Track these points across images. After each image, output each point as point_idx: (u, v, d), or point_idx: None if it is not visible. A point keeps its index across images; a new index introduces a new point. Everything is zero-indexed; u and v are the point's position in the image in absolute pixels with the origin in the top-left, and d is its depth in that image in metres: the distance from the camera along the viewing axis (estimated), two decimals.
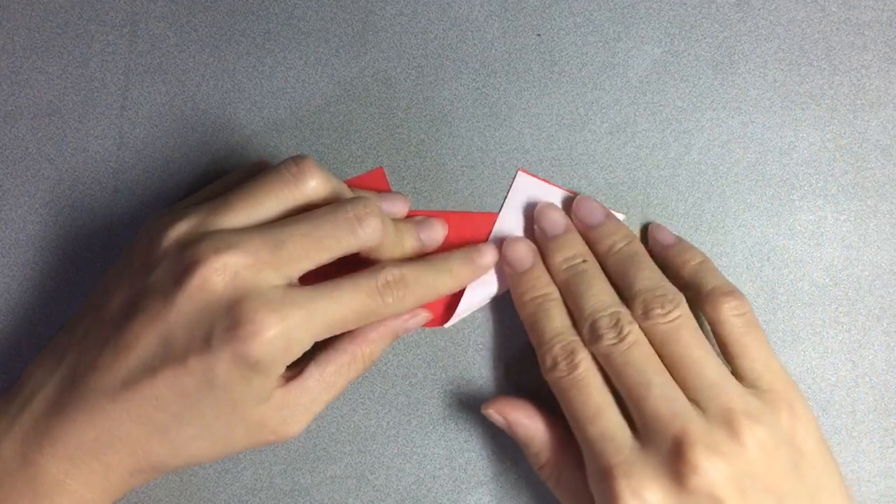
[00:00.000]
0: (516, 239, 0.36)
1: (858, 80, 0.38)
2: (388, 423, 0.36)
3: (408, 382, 0.36)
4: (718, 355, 0.32)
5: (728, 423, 0.30)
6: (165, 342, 0.29)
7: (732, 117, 0.37)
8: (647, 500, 0.29)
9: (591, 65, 0.38)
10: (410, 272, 0.32)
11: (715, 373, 0.31)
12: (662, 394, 0.30)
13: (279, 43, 0.38)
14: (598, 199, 0.36)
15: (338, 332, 0.31)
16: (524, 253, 0.35)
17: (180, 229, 0.30)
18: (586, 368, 0.32)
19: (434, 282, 0.33)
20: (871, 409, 0.36)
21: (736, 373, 0.32)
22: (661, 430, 0.30)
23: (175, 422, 0.30)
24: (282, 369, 0.30)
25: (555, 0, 0.38)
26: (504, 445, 0.36)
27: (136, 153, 0.38)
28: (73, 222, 0.37)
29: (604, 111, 0.37)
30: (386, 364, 0.36)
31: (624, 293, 0.34)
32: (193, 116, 0.38)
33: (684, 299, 0.33)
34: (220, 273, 0.29)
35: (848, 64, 0.38)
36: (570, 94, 0.38)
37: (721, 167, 0.37)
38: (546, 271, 0.35)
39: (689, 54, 0.38)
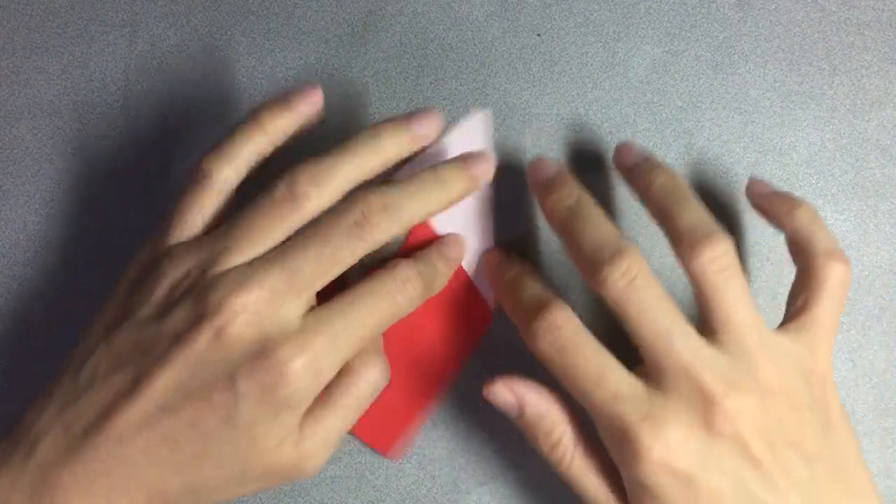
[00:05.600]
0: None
1: (858, 80, 0.38)
2: None
3: None
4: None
5: (754, 363, 0.29)
6: (184, 386, 0.28)
7: (732, 117, 0.37)
8: (671, 442, 0.28)
9: (591, 65, 0.38)
10: (423, 264, 0.32)
11: (759, 319, 0.30)
12: (686, 345, 0.29)
13: (279, 43, 0.38)
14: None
15: (367, 345, 0.31)
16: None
17: (192, 270, 0.29)
18: (573, 326, 0.30)
19: (448, 259, 0.33)
20: (871, 409, 0.36)
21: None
22: (683, 383, 0.29)
23: (192, 461, 0.29)
24: (310, 401, 0.29)
25: (555, 0, 0.38)
26: (504, 445, 0.36)
27: (136, 153, 0.38)
28: (73, 222, 0.37)
29: (604, 111, 0.37)
30: None
31: (669, 232, 0.32)
32: (193, 116, 0.38)
33: (730, 241, 0.30)
34: (239, 315, 0.28)
35: (848, 64, 0.38)
36: (570, 94, 0.38)
37: (721, 167, 0.37)
38: (515, 257, 0.34)
39: (689, 54, 0.38)
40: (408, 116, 0.32)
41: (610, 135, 0.37)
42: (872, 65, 0.38)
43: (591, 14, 0.38)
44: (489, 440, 0.36)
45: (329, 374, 0.29)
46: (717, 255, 0.30)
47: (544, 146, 0.37)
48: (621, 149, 0.35)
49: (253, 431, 0.29)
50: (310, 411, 0.30)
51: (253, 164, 0.32)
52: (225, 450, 0.29)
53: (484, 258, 0.35)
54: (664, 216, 0.31)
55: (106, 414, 0.28)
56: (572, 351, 0.30)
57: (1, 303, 0.37)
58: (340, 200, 0.31)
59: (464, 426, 0.36)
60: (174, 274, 0.30)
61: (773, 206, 0.33)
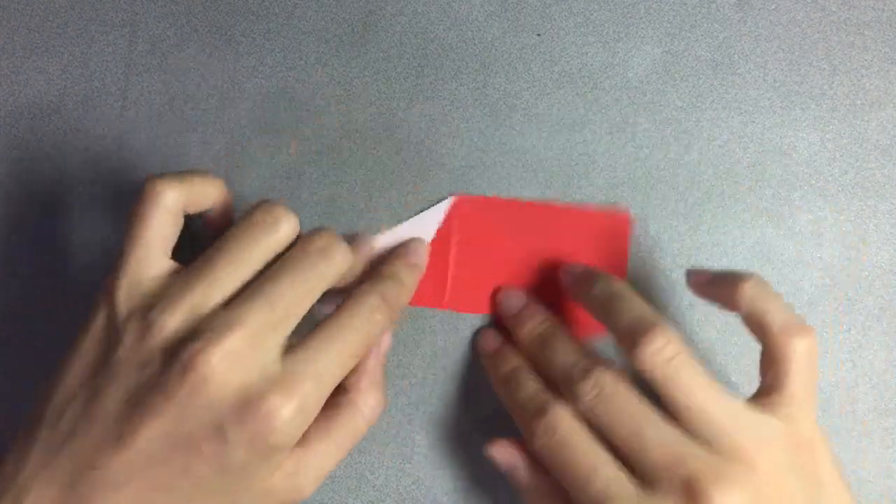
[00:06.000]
0: (485, 330, 0.36)
1: (858, 80, 0.38)
2: (388, 423, 0.36)
3: (408, 382, 0.36)
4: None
5: (730, 443, 0.29)
6: (169, 435, 0.28)
7: (732, 117, 0.37)
8: None
9: (591, 65, 0.38)
10: (389, 283, 0.33)
11: (704, 395, 0.30)
12: (660, 440, 0.29)
13: (279, 43, 0.38)
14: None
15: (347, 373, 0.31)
16: (490, 338, 0.36)
17: (174, 319, 0.29)
18: (567, 426, 0.31)
19: (407, 282, 0.34)
20: (871, 409, 0.36)
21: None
22: (667, 477, 0.29)
23: (186, 501, 0.29)
24: (299, 436, 0.30)
25: (555, 0, 0.38)
26: None
27: (136, 153, 0.38)
28: (73, 222, 0.37)
29: (604, 111, 0.37)
30: (386, 364, 0.36)
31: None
32: (193, 116, 0.38)
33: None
34: (223, 361, 0.28)
35: (848, 64, 0.38)
36: (570, 94, 0.38)
37: (721, 167, 0.37)
38: (511, 347, 0.35)
39: (689, 54, 0.38)
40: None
41: (610, 135, 0.37)
42: (872, 65, 0.38)
43: (591, 14, 0.38)
44: (489, 440, 0.36)
45: (315, 411, 0.30)
46: (658, 347, 0.29)
47: (544, 146, 0.37)
48: (565, 267, 0.36)
49: (245, 472, 0.29)
50: (305, 440, 0.30)
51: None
52: (219, 488, 0.29)
53: (482, 336, 0.36)
54: (607, 319, 0.32)
55: (93, 464, 0.28)
56: (566, 450, 0.30)
57: (1, 303, 0.37)
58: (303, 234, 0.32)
59: (464, 427, 0.36)
60: (159, 316, 0.29)
61: (717, 291, 0.32)
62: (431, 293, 0.36)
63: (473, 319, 0.36)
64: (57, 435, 0.29)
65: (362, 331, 0.31)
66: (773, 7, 0.38)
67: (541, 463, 0.32)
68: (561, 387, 0.32)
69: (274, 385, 0.28)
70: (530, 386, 0.33)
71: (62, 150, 0.38)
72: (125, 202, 0.37)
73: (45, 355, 0.36)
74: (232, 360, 0.28)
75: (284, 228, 0.31)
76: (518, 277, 0.36)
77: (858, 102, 0.37)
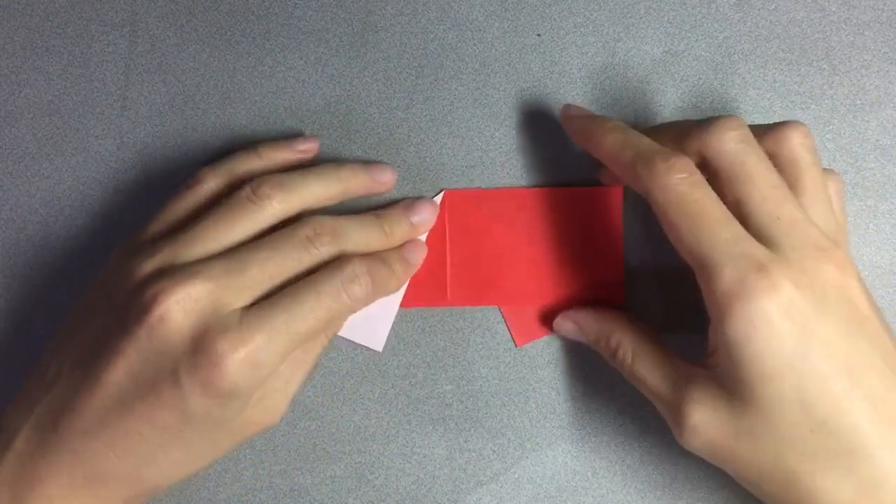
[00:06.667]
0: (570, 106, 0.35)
1: (858, 80, 0.38)
2: (388, 423, 0.36)
3: (408, 382, 0.36)
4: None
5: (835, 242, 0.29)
6: (134, 378, 0.29)
7: None
8: (786, 292, 0.27)
9: (591, 65, 0.38)
10: (379, 264, 0.33)
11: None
12: (792, 204, 0.29)
13: (279, 43, 0.38)
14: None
15: (308, 341, 0.32)
16: (577, 108, 0.35)
17: (147, 267, 0.30)
18: (698, 177, 0.29)
19: (397, 270, 0.34)
20: None
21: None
22: (795, 234, 0.28)
23: (161, 450, 0.30)
24: (256, 390, 0.30)
25: (555, 0, 0.38)
26: (504, 445, 0.36)
27: (136, 153, 0.38)
28: (73, 222, 0.37)
29: (604, 111, 0.37)
30: (386, 364, 0.36)
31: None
32: (193, 116, 0.38)
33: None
34: (180, 303, 0.29)
35: (848, 64, 0.38)
36: (570, 94, 0.38)
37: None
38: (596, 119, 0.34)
39: (689, 54, 0.38)
40: (368, 164, 0.36)
41: None
42: (872, 65, 0.38)
43: (591, 14, 0.38)
44: (489, 440, 0.36)
45: (268, 370, 0.30)
46: (738, 127, 0.30)
47: (544, 146, 0.37)
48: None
49: (211, 417, 0.30)
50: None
51: (242, 177, 0.34)
52: (189, 436, 0.30)
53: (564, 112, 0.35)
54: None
55: (71, 407, 0.29)
56: (699, 193, 0.29)
57: (1, 303, 0.37)
58: (295, 220, 0.33)
59: (464, 426, 0.36)
60: (136, 272, 0.31)
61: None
62: (433, 292, 0.36)
63: (474, 319, 0.36)
64: (44, 382, 0.31)
65: (333, 297, 0.31)
66: (773, 7, 0.38)
67: (659, 210, 0.30)
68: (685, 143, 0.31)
69: (226, 333, 0.29)
70: (646, 138, 0.31)
71: (62, 150, 0.38)
72: (125, 202, 0.37)
73: None
74: (188, 306, 0.29)
75: (270, 209, 0.32)
76: (516, 263, 0.36)
77: (858, 102, 0.37)
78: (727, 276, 0.28)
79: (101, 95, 0.38)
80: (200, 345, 0.29)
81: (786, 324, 0.27)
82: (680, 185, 0.29)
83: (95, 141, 0.38)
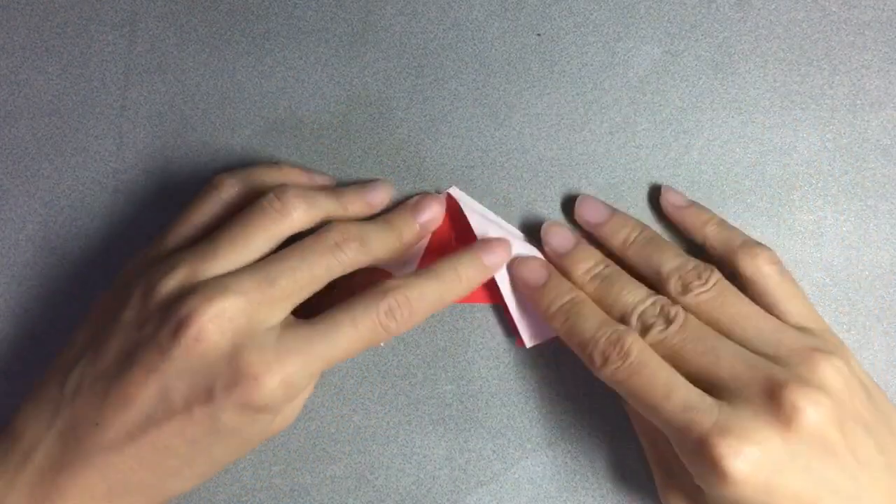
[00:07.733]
0: (524, 258, 0.35)
1: (858, 80, 0.38)
2: (388, 423, 0.36)
3: (408, 382, 0.36)
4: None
5: (805, 360, 0.30)
6: (165, 395, 0.29)
7: (732, 117, 0.37)
8: (751, 456, 0.28)
9: (591, 65, 0.38)
10: (414, 290, 0.31)
11: (772, 322, 0.32)
12: (733, 353, 0.30)
13: (279, 43, 0.38)
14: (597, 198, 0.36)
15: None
16: (537, 268, 0.35)
17: (171, 281, 0.30)
18: (640, 349, 0.31)
19: (441, 293, 0.32)
20: None
21: (781, 319, 0.32)
22: (746, 385, 0.29)
23: (187, 464, 0.30)
24: (287, 407, 0.31)
25: (555, 0, 0.38)
26: (504, 445, 0.36)
27: (136, 153, 0.38)
28: (73, 222, 0.37)
29: (604, 111, 0.37)
30: (386, 364, 0.36)
31: (653, 278, 0.34)
32: (193, 116, 0.38)
33: (715, 267, 0.33)
34: (214, 322, 0.29)
35: (848, 64, 0.38)
36: (570, 94, 0.38)
37: (721, 167, 0.37)
38: (564, 279, 0.34)
39: (689, 54, 0.38)
40: (364, 186, 0.36)
41: (610, 135, 0.37)
42: (872, 65, 0.38)
43: (591, 14, 0.38)
44: (489, 440, 0.36)
45: (301, 388, 0.30)
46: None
47: (544, 146, 0.37)
48: (585, 199, 0.36)
49: (237, 432, 0.30)
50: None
51: (259, 187, 0.34)
52: (216, 450, 0.30)
53: (527, 269, 0.35)
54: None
55: (94, 422, 0.29)
56: (639, 367, 0.31)
57: (1, 303, 0.37)
58: (321, 227, 0.32)
59: (464, 426, 0.36)
60: (161, 288, 0.30)
61: (686, 219, 0.36)
62: None
63: (474, 319, 0.36)
64: (63, 391, 0.30)
65: (371, 329, 0.31)
66: (773, 7, 0.38)
67: (612, 387, 0.32)
68: (627, 320, 0.33)
69: (264, 355, 0.29)
70: (596, 317, 0.33)
71: (62, 150, 0.38)
72: (124, 202, 0.37)
73: (45, 355, 0.36)
74: (223, 323, 0.29)
75: (295, 216, 0.32)
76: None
77: (858, 102, 0.37)
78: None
79: (101, 95, 0.38)
80: (237, 364, 0.29)
81: (750, 492, 0.28)
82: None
83: (95, 141, 0.38)
